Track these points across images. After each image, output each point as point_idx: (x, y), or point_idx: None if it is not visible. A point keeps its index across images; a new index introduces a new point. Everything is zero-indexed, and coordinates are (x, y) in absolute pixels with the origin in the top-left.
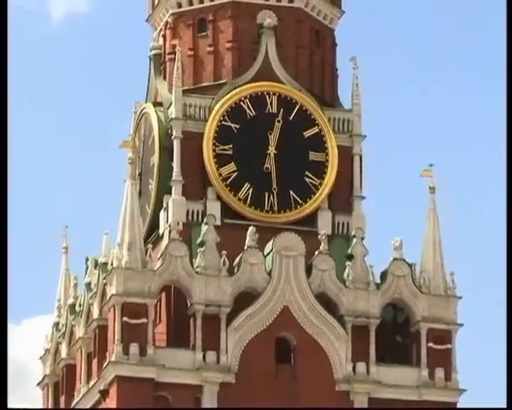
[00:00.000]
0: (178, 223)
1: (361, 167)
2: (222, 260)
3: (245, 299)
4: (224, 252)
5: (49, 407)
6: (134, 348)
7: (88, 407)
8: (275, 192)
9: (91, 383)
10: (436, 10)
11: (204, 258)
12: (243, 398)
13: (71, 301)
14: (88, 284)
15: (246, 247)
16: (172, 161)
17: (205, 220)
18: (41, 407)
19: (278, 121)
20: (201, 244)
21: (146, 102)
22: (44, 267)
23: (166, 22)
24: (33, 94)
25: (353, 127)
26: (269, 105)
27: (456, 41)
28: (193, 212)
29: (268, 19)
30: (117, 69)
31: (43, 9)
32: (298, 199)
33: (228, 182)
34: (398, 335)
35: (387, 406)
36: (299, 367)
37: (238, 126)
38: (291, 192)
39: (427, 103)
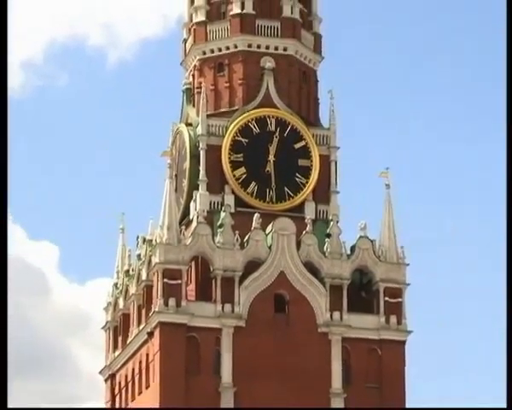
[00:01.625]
0: (204, 211)
1: (336, 170)
2: (235, 237)
3: (252, 266)
4: (237, 232)
5: (110, 345)
6: (172, 301)
7: (137, 345)
8: (273, 188)
9: (141, 327)
10: (388, 50)
11: (222, 236)
12: (250, 337)
13: (126, 267)
14: (138, 255)
15: (252, 228)
16: (199, 165)
17: (223, 209)
18: (104, 345)
19: (276, 137)
20: (220, 226)
21: (180, 123)
22: (107, 242)
23: (195, 65)
24: (103, 113)
25: (330, 141)
26: (269, 125)
27: (414, 65)
28: (214, 203)
29: (268, 63)
30: (160, 99)
31: (101, 54)
32: (290, 193)
33: (239, 181)
34: (363, 292)
35: (355, 343)
36: (291, 315)
37: (247, 141)
38: (285, 188)
39: (387, 122)
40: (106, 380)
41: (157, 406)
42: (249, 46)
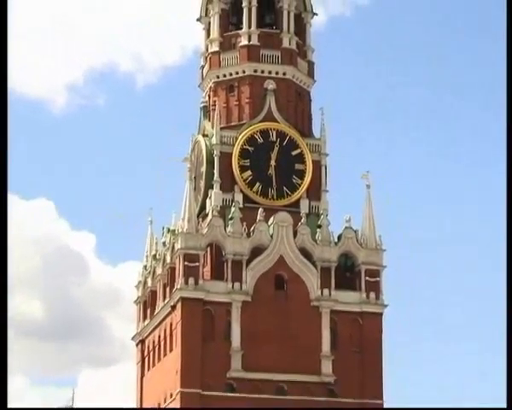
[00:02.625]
0: (217, 206)
1: (326, 173)
2: (243, 228)
3: (257, 251)
4: (245, 223)
5: (141, 315)
6: (191, 280)
7: (163, 316)
8: (274, 188)
9: (165, 301)
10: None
11: (232, 227)
12: (255, 310)
13: (153, 252)
14: (164, 243)
15: (257, 220)
16: (214, 169)
17: (233, 204)
18: (135, 317)
19: (276, 146)
20: (231, 219)
21: (198, 134)
22: (138, 232)
23: (210, 87)
24: (134, 127)
25: (321, 149)
26: (271, 136)
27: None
28: (226, 200)
29: (270, 85)
30: (181, 115)
31: (131, 78)
32: (288, 192)
33: (246, 182)
34: (347, 272)
35: (341, 314)
36: (288, 292)
37: (253, 149)
38: (284, 188)
39: (368, 133)
40: (137, 345)
41: (179, 365)
42: (255, 71)
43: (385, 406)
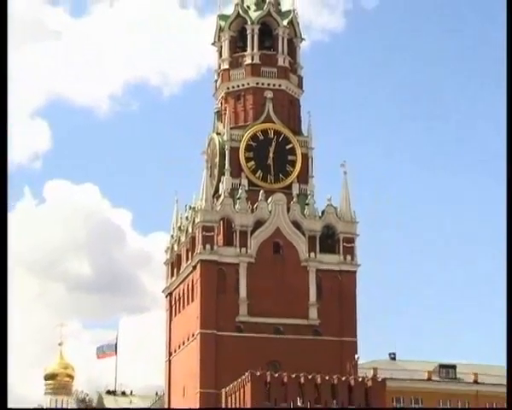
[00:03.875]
0: (228, 189)
1: (312, 163)
2: (248, 205)
3: (259, 224)
4: (249, 202)
5: (169, 274)
6: (208, 246)
7: (186, 274)
8: (272, 174)
9: (188, 262)
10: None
11: (240, 205)
12: (257, 270)
13: (178, 224)
14: (186, 217)
15: (259, 200)
16: (225, 160)
17: (240, 188)
18: (164, 274)
19: (274, 142)
20: (239, 198)
21: (213, 133)
22: (166, 208)
23: (222, 96)
24: (162, 129)
25: (308, 144)
26: (269, 134)
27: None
28: (234, 184)
29: (269, 94)
30: (199, 118)
31: (159, 90)
32: (283, 177)
33: (251, 170)
34: (329, 240)
35: (324, 272)
36: (284, 255)
37: (255, 144)
38: (280, 174)
39: (345, 132)
40: (166, 296)
41: (198, 312)
42: (257, 84)
43: (358, 342)
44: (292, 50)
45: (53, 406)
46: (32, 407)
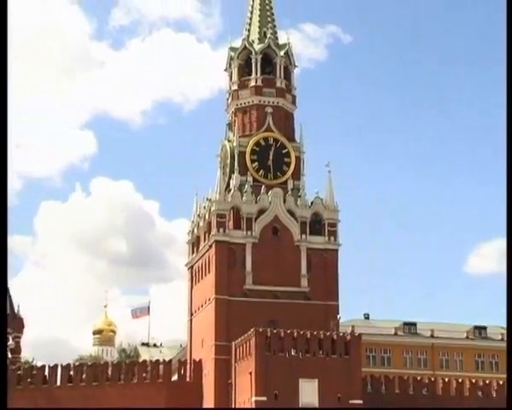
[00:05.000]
0: (237, 184)
1: (303, 164)
2: (253, 197)
3: (261, 212)
4: (253, 195)
5: (190, 251)
6: (221, 229)
7: (204, 252)
8: (272, 173)
9: (205, 242)
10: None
11: (246, 197)
12: (260, 248)
13: (198, 212)
14: (204, 207)
15: (261, 193)
16: (234, 161)
17: (246, 183)
18: (187, 252)
19: (273, 147)
20: (245, 192)
21: (225, 140)
22: (187, 200)
23: (232, 111)
24: (184, 138)
25: (301, 149)
26: (269, 141)
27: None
28: (242, 180)
29: (269, 110)
30: (214, 128)
31: (180, 106)
32: (280, 175)
33: (254, 169)
34: (317, 225)
35: (313, 250)
36: (281, 237)
37: (258, 149)
38: (278, 173)
39: (330, 139)
40: (188, 269)
41: (213, 282)
42: (259, 101)
43: (339, 305)
44: (287, 75)
45: (100, 354)
46: (83, 354)
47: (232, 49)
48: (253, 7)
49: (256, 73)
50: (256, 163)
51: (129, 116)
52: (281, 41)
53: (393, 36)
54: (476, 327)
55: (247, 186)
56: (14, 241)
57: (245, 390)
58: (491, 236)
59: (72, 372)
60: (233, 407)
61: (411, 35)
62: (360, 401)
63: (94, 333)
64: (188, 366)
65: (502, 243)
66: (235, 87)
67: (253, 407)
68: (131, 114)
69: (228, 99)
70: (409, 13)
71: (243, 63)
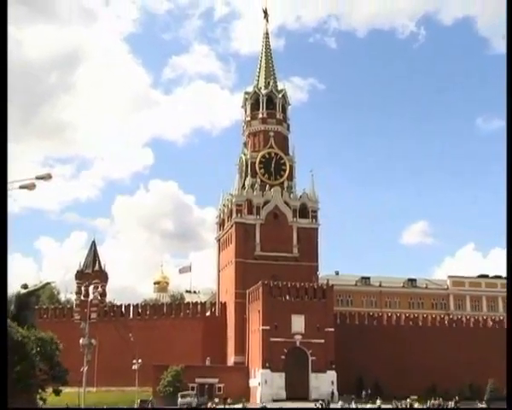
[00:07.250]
0: (249, 185)
1: (294, 170)
2: (261, 193)
3: (266, 202)
4: (261, 191)
5: (218, 229)
6: (239, 214)
7: (227, 229)
8: (273, 176)
9: (228, 223)
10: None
11: (256, 192)
12: (267, 228)
13: (223, 203)
14: (227, 199)
15: (266, 190)
16: (248, 169)
17: (256, 183)
18: (216, 229)
19: (274, 159)
20: (255, 189)
21: (242, 154)
22: (216, 194)
23: (247, 135)
24: (213, 155)
25: (292, 160)
26: (272, 155)
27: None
28: (253, 181)
29: (272, 134)
30: (233, 147)
31: (209, 132)
32: (279, 178)
33: (262, 174)
34: (304, 211)
35: (303, 229)
36: (279, 220)
37: (264, 160)
38: (277, 177)
39: (316, 154)
40: (216, 241)
41: (234, 249)
42: (265, 129)
43: (319, 265)
44: (284, 109)
45: (158, 298)
46: (146, 298)
47: (246, 93)
48: (260, 65)
49: (263, 109)
50: (262, 170)
51: (175, 138)
52: (279, 87)
53: (355, 85)
54: (409, 279)
55: (256, 185)
56: (98, 222)
57: (255, 322)
58: (416, 219)
59: (140, 309)
60: (247, 333)
61: (371, 81)
62: (332, 329)
63: (154, 283)
64: (217, 306)
65: (423, 224)
66: (248, 118)
67: (261, 333)
68: (177, 137)
69: (243, 126)
70: (369, 68)
71: (254, 102)
